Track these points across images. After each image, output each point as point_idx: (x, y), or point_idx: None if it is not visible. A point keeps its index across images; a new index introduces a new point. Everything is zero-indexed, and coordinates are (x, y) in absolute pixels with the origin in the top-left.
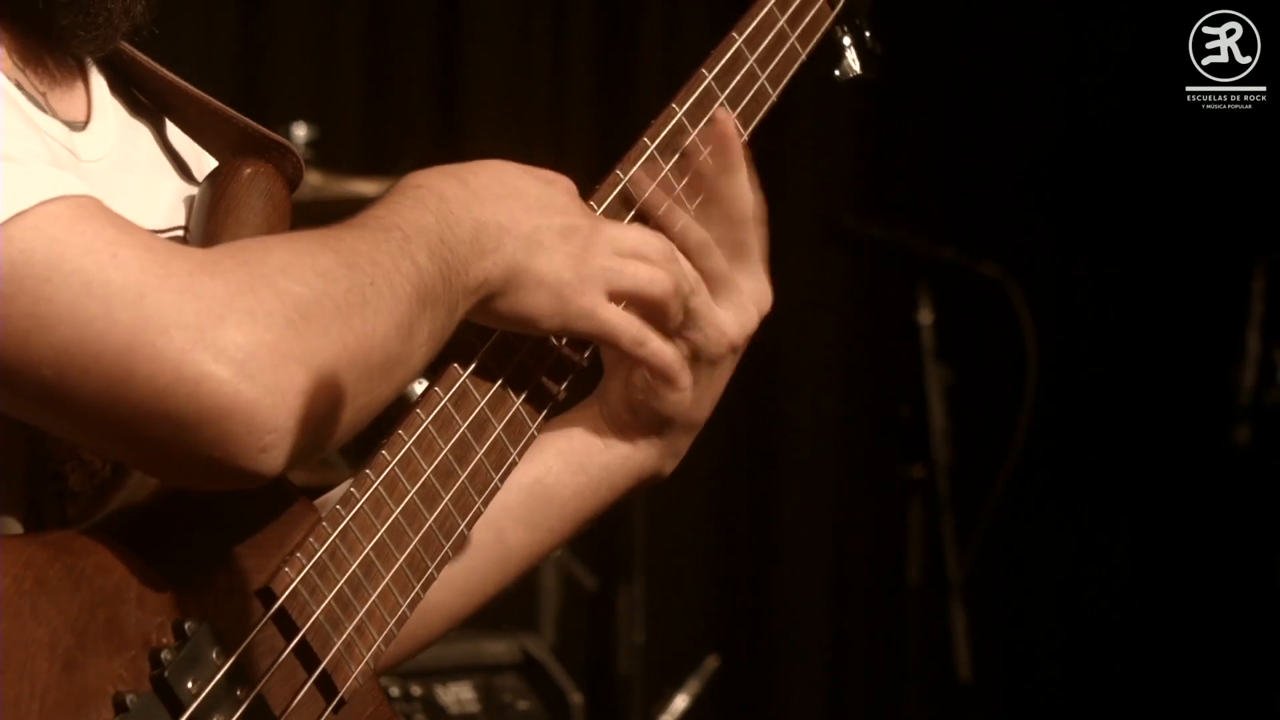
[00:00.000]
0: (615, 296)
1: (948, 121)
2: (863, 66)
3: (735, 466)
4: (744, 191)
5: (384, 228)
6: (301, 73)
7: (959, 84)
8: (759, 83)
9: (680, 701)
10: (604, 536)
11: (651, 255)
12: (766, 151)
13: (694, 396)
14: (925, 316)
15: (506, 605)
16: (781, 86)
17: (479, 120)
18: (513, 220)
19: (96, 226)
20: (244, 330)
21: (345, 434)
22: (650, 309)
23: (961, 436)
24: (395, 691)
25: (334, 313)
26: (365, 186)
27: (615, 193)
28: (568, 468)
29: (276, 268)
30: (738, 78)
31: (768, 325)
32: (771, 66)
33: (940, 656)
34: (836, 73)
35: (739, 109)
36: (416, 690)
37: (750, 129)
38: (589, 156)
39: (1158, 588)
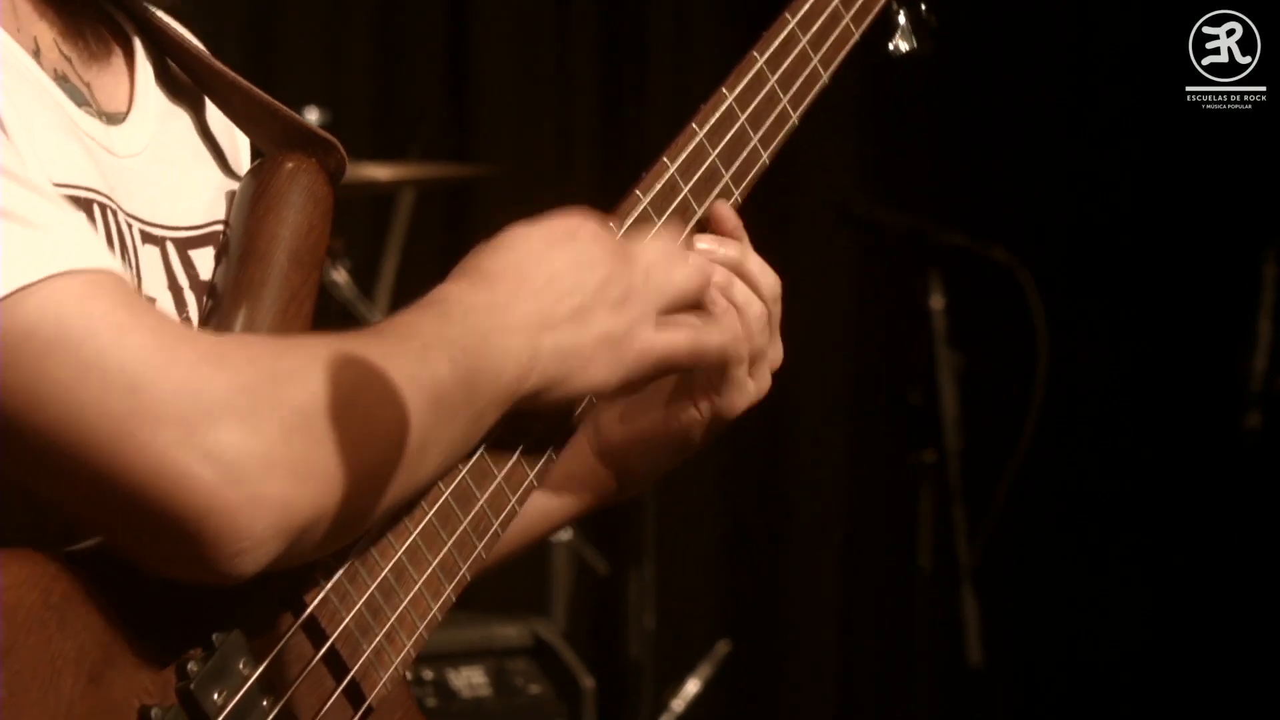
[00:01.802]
0: (664, 312)
1: (958, 106)
2: (918, 41)
3: (746, 451)
4: (765, 273)
5: (403, 336)
6: (313, 58)
7: (969, 69)
8: (811, 64)
9: (691, 686)
10: (615, 521)
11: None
12: None
13: (696, 437)
14: (936, 302)
15: (518, 590)
16: (833, 68)
17: (489, 104)
18: (546, 314)
19: (106, 307)
20: (236, 433)
21: (336, 543)
22: (694, 303)
23: (972, 422)
24: (406, 675)
25: (334, 423)
26: (377, 171)
27: (636, 214)
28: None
29: (285, 371)
30: (789, 60)
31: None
32: (825, 48)
33: (951, 642)
34: (890, 47)
35: (790, 92)
36: (428, 674)
37: (800, 111)
38: (596, 139)
39: (1169, 574)
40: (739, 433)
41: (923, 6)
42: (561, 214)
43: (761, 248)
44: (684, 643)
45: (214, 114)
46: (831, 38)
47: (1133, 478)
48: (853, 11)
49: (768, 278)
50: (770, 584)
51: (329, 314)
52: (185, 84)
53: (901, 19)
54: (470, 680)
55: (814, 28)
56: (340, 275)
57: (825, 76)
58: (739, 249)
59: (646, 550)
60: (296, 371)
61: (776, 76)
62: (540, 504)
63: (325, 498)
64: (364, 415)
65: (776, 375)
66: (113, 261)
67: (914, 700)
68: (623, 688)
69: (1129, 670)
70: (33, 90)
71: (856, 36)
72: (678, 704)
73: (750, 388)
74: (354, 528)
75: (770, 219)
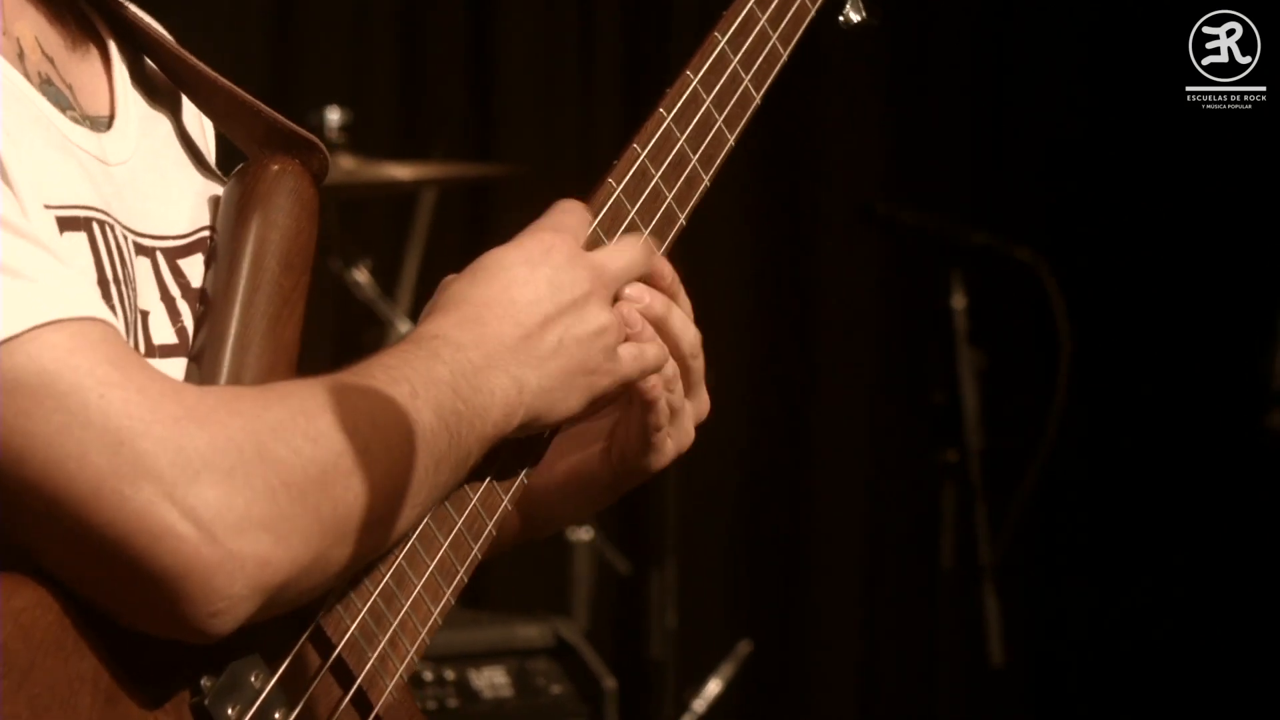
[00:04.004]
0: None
1: (980, 107)
2: (866, 11)
3: (768, 451)
4: (686, 329)
5: (392, 380)
6: (335, 57)
7: (991, 70)
8: (770, 43)
9: (713, 686)
10: (637, 520)
11: (641, 271)
12: (800, 138)
13: (613, 488)
14: (958, 301)
15: (539, 590)
16: (792, 45)
17: (511, 104)
18: (531, 349)
19: (90, 362)
20: (217, 490)
21: (313, 595)
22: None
23: (994, 421)
24: (428, 675)
25: (317, 480)
26: (398, 170)
27: (609, 205)
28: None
29: (268, 427)
30: (750, 39)
31: (802, 310)
32: (783, 25)
33: (973, 642)
34: (840, 19)
35: (751, 71)
36: (449, 674)
37: (763, 91)
38: (619, 139)
39: (1190, 573)
40: (761, 431)
41: None
42: (534, 232)
43: (786, 247)
44: (706, 642)
45: (188, 113)
46: (789, 14)
47: (1154, 477)
48: None
49: (689, 333)
50: (792, 584)
51: (351, 314)
52: (162, 84)
53: None
54: (492, 680)
55: (771, 5)
56: (362, 275)
57: (785, 55)
58: (664, 303)
59: (668, 549)
60: (281, 427)
61: (739, 56)
62: None
63: (305, 555)
64: (348, 473)
65: (800, 377)
66: (102, 310)
67: (936, 700)
68: (645, 688)
69: (1151, 670)
70: (22, 106)
71: (813, 12)
72: (699, 704)
73: (669, 445)
74: (331, 581)
75: (795, 219)
